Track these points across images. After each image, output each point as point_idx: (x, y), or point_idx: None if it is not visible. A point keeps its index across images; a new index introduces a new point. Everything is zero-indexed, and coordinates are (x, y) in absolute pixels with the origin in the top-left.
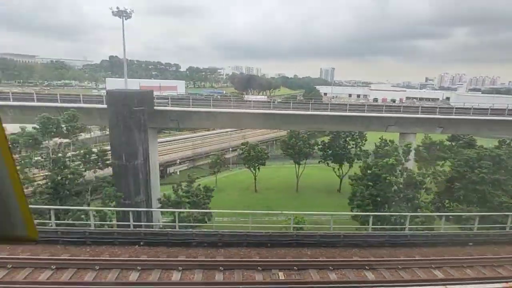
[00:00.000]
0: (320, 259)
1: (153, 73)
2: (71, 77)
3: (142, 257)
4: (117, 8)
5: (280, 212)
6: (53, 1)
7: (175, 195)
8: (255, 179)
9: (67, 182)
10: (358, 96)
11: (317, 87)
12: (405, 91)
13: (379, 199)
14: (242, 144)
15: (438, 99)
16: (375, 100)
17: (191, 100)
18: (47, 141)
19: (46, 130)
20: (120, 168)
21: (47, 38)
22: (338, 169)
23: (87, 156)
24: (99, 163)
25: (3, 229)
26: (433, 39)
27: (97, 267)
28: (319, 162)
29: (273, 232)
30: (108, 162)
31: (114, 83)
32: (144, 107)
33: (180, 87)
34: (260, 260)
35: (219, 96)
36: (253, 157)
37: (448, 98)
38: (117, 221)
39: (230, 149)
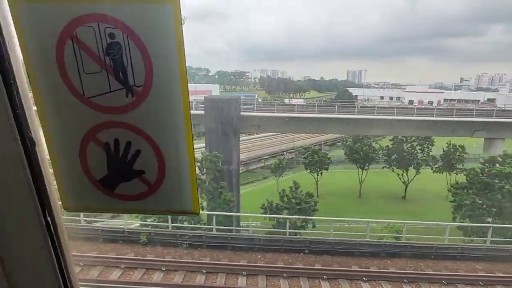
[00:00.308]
0: (479, 274)
1: None
2: None
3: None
4: None
5: (387, 220)
6: None
7: (281, 200)
8: (316, 184)
9: None
10: (391, 98)
11: (349, 89)
12: (443, 92)
13: (494, 209)
14: (305, 148)
15: (478, 101)
16: (411, 102)
17: (253, 105)
18: None
19: None
20: (218, 173)
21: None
22: (402, 175)
23: (204, 162)
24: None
25: (177, 203)
26: (466, 38)
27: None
28: (383, 167)
29: (387, 242)
30: (219, 168)
31: None
32: (237, 113)
33: (214, 91)
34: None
35: (256, 100)
36: (316, 161)
37: (491, 100)
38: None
39: (286, 153)
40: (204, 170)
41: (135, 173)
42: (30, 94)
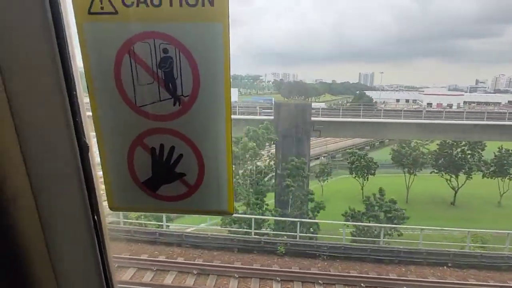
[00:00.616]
0: None
1: None
2: None
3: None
4: None
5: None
6: None
7: (366, 208)
8: (362, 189)
9: None
10: (407, 101)
11: (366, 92)
12: (463, 94)
13: None
14: (349, 153)
15: (500, 103)
16: (429, 105)
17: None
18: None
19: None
20: (305, 179)
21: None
22: (450, 180)
23: (291, 168)
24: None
25: (214, 204)
26: (481, 39)
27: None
28: (431, 172)
29: (484, 252)
30: (304, 174)
31: None
32: (309, 118)
33: (233, 95)
34: None
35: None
36: (363, 166)
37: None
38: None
39: (323, 156)
40: (290, 177)
41: (177, 176)
42: (86, 101)
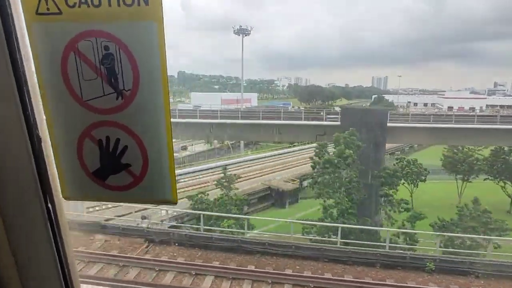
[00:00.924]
0: None
1: (215, 86)
2: None
3: None
4: (240, 26)
5: None
6: None
7: (459, 219)
8: (411, 196)
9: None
10: (425, 105)
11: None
12: (486, 98)
13: None
14: (397, 159)
15: None
16: (450, 108)
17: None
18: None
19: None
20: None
21: None
22: (504, 187)
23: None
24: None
25: (158, 193)
26: (499, 41)
27: None
28: (485, 179)
29: None
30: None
31: (199, 97)
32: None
33: (253, 100)
34: None
35: (292, 108)
36: (414, 172)
37: None
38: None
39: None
40: (385, 185)
41: (123, 166)
42: (39, 98)
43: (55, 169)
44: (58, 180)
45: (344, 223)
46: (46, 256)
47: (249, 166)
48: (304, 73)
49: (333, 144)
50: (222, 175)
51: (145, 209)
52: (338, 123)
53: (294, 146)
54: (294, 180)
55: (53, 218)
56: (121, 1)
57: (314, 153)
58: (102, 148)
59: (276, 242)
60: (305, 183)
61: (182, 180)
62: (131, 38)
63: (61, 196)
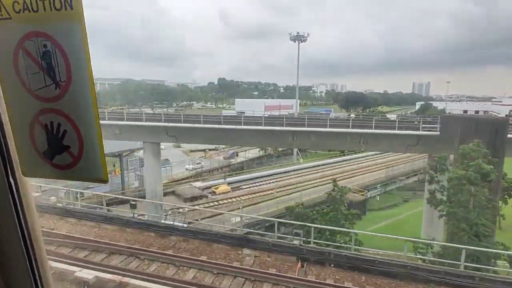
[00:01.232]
0: None
1: (254, 93)
2: (193, 98)
3: None
4: (297, 32)
5: None
6: (157, 33)
7: None
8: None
9: None
10: (477, 112)
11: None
12: None
13: None
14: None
15: None
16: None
17: None
18: None
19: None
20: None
21: (150, 65)
22: None
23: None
24: None
25: (93, 172)
26: None
27: None
28: None
29: None
30: None
31: (243, 104)
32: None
33: (295, 106)
34: None
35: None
36: (504, 188)
37: None
38: None
39: (419, 173)
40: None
41: (64, 148)
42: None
43: (14, 149)
44: (18, 159)
45: (476, 246)
46: (9, 224)
47: (307, 174)
48: (340, 79)
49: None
50: (333, 187)
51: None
52: (437, 132)
53: (345, 155)
54: (361, 191)
55: (15, 191)
56: (52, 7)
57: (429, 166)
58: (48, 132)
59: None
60: (370, 194)
61: (245, 187)
62: (62, 36)
63: (21, 172)
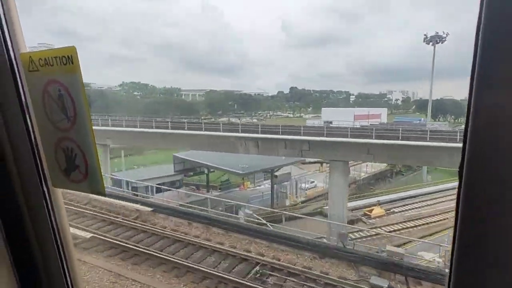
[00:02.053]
0: None
1: (325, 101)
2: (271, 107)
3: None
4: (436, 32)
5: None
6: (220, 45)
7: None
8: None
9: None
10: None
11: None
12: None
13: None
14: None
15: None
16: None
17: None
18: None
19: None
20: None
21: (214, 76)
22: None
23: None
24: None
25: (95, 187)
26: None
27: None
28: None
29: None
30: None
31: (330, 113)
32: None
33: (383, 115)
34: None
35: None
36: None
37: None
38: None
39: None
40: None
41: (76, 167)
42: (35, 120)
43: (45, 165)
44: (48, 173)
45: None
46: (44, 224)
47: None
48: (406, 85)
49: None
50: None
51: None
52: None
53: None
54: None
55: (47, 198)
56: (61, 63)
57: None
58: (65, 154)
59: None
60: None
61: (397, 209)
62: (68, 83)
63: (51, 183)
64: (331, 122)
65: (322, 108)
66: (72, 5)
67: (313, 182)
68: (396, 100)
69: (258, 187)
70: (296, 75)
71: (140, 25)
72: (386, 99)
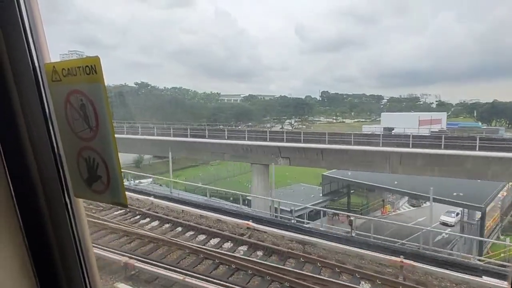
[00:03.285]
0: None
1: (358, 107)
2: (315, 112)
3: None
4: None
5: None
6: (236, 51)
7: None
8: None
9: None
10: None
11: None
12: None
13: None
14: None
15: None
16: None
17: None
18: None
19: None
20: None
21: (230, 81)
22: None
23: None
24: None
25: (117, 197)
26: None
27: None
28: None
29: None
30: None
31: (391, 118)
32: None
33: (443, 120)
34: None
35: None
36: None
37: None
38: None
39: None
40: None
41: (98, 177)
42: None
43: (68, 175)
44: (70, 182)
45: None
46: (65, 233)
47: None
48: (423, 89)
49: None
50: None
51: None
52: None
53: None
54: None
55: (70, 209)
56: (84, 72)
57: None
58: (87, 164)
59: None
60: None
61: None
62: (92, 93)
63: (73, 193)
64: (392, 129)
65: (382, 113)
66: (94, 15)
67: (458, 213)
68: (431, 103)
69: (399, 211)
70: (310, 79)
71: (159, 32)
72: (420, 102)
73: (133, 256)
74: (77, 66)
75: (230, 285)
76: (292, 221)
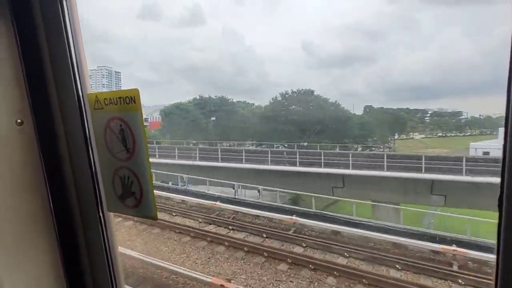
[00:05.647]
0: None
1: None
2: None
3: None
4: None
5: None
6: (243, 67)
7: None
8: None
9: None
10: None
11: None
12: None
13: None
14: None
15: None
16: None
17: None
18: None
19: None
20: None
21: (239, 97)
22: None
23: None
24: None
25: (149, 211)
26: None
27: None
28: None
29: None
30: None
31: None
32: None
33: (500, 135)
34: None
35: None
36: None
37: None
38: None
39: None
40: None
41: (131, 194)
42: (96, 152)
43: (103, 192)
44: (104, 198)
45: None
46: (98, 247)
47: None
48: (427, 103)
49: None
50: None
51: None
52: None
53: None
54: None
55: (103, 222)
56: (124, 102)
57: None
58: (122, 181)
59: None
60: None
61: None
62: (130, 120)
63: (107, 208)
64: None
65: (499, 129)
66: (108, 34)
67: None
68: (466, 119)
69: None
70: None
71: (169, 49)
72: (462, 117)
73: None
74: (118, 96)
75: None
76: None
